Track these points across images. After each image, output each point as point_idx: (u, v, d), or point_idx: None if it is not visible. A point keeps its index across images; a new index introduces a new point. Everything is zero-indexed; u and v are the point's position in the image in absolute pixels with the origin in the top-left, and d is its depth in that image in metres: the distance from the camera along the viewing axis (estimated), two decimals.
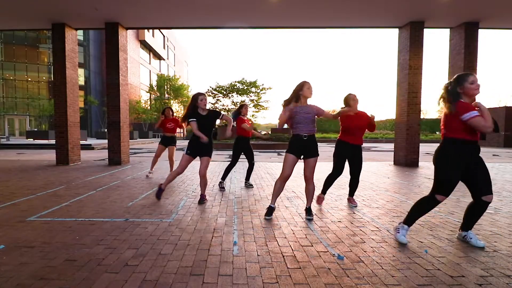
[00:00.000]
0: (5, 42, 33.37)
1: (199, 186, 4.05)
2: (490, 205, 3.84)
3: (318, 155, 3.25)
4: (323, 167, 7.77)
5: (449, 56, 8.49)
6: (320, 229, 2.93)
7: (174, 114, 6.39)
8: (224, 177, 5.01)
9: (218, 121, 4.15)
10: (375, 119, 3.67)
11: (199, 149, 3.87)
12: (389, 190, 4.92)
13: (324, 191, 3.91)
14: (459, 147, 2.39)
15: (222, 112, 4.07)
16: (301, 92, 3.14)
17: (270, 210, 3.30)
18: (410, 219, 2.63)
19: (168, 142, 6.17)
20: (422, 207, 2.58)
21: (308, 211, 3.30)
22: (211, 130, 3.93)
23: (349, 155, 3.75)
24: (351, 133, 3.70)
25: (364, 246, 2.51)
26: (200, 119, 3.82)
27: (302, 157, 3.25)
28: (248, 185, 5.13)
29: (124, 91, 8.62)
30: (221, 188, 4.91)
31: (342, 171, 3.79)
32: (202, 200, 3.95)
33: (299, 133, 3.17)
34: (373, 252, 2.39)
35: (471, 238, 2.54)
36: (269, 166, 8.14)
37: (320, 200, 3.89)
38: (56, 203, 3.85)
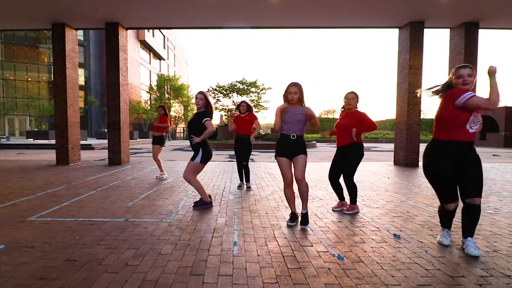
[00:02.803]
0: (5, 42, 33.39)
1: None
2: (489, 205, 3.86)
3: (306, 153, 3.01)
4: (324, 166, 7.77)
5: (449, 56, 8.49)
6: (320, 229, 2.93)
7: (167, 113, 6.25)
8: (240, 178, 5.11)
9: (218, 121, 4.04)
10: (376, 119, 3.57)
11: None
12: (389, 190, 4.92)
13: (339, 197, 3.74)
14: (442, 147, 2.37)
15: (206, 118, 3.60)
16: (286, 95, 3.01)
17: (293, 216, 3.08)
18: (441, 222, 2.61)
19: (155, 141, 6.09)
20: (441, 213, 2.59)
21: (304, 217, 3.03)
22: (197, 131, 3.61)
23: (337, 157, 3.60)
24: (337, 134, 3.58)
25: (364, 246, 2.50)
26: (192, 119, 3.70)
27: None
28: (247, 187, 5.04)
29: (124, 91, 8.62)
30: (238, 187, 5.05)
31: (335, 175, 3.62)
32: (201, 203, 3.72)
33: (286, 133, 2.99)
34: (373, 252, 2.39)
35: (466, 246, 2.35)
36: (269, 166, 8.14)
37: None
38: (56, 203, 3.85)
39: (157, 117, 6.17)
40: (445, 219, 2.57)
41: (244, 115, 5.00)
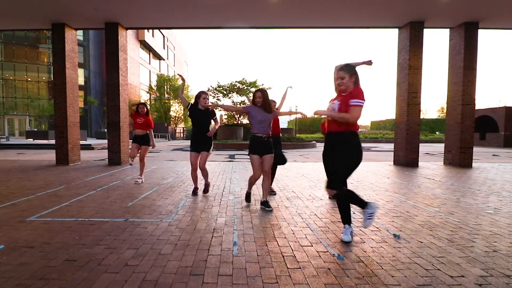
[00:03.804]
0: (5, 42, 33.39)
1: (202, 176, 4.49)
2: (489, 205, 3.87)
3: (272, 152, 3.63)
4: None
5: (449, 56, 8.49)
6: (320, 229, 2.94)
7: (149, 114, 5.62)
8: None
9: (218, 120, 4.36)
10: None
11: (198, 145, 4.29)
12: (389, 190, 4.92)
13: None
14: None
15: (218, 115, 4.43)
16: (253, 99, 3.64)
17: (249, 196, 3.90)
18: (341, 217, 2.72)
19: (140, 141, 5.43)
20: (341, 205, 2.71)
21: (265, 203, 3.61)
22: (208, 125, 4.31)
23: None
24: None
25: (364, 246, 2.51)
26: (198, 113, 4.24)
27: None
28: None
29: (124, 91, 8.62)
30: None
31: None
32: (207, 189, 4.50)
33: (257, 133, 3.55)
34: (373, 252, 2.39)
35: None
36: None
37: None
38: (56, 203, 3.85)
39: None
40: (342, 211, 2.68)
41: None
